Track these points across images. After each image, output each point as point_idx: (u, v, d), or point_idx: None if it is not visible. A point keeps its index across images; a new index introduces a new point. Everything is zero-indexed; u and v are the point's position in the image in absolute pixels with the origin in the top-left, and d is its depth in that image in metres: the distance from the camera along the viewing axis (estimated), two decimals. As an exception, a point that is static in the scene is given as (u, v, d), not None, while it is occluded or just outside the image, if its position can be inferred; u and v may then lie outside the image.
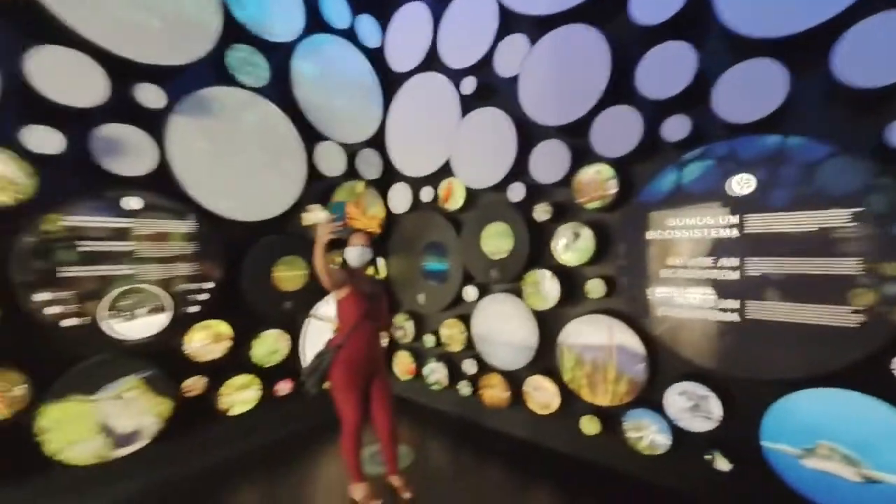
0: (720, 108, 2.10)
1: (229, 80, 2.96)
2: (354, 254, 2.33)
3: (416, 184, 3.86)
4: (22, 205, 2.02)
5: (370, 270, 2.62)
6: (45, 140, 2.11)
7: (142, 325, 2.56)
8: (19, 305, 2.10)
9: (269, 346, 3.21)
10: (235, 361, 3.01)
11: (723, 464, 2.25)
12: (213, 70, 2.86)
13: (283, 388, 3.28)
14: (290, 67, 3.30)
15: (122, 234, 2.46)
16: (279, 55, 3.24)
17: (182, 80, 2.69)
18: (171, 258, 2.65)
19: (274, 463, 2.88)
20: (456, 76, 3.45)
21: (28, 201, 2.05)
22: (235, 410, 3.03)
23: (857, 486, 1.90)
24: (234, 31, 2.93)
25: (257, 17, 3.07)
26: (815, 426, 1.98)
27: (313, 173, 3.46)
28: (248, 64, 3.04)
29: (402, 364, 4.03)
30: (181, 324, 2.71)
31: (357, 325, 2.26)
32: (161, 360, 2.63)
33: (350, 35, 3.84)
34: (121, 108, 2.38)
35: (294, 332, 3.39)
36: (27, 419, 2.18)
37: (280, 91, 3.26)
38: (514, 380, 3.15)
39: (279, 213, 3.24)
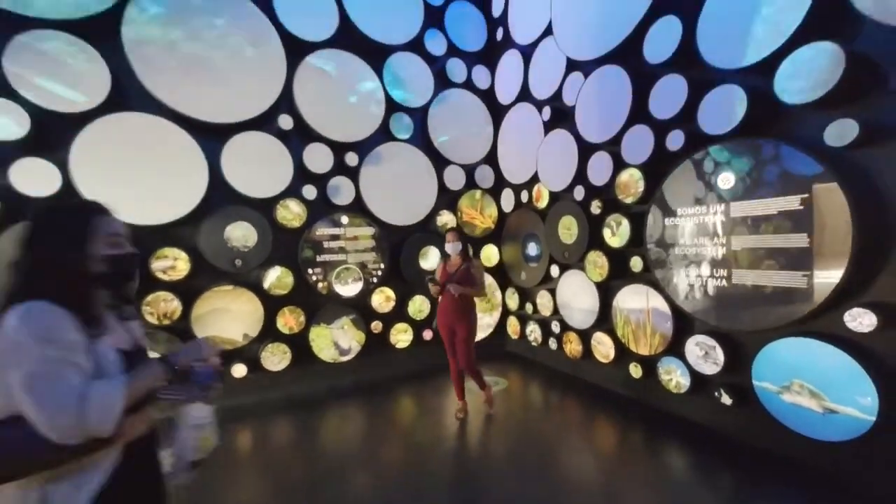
0: (704, 123, 2.76)
1: (392, 137, 4.76)
2: (448, 247, 3.59)
3: (517, 189, 5.08)
4: (302, 225, 4.17)
5: (457, 257, 3.51)
6: (309, 191, 4.22)
7: (350, 289, 4.57)
8: (303, 276, 4.27)
9: (417, 306, 4.95)
10: (399, 314, 4.84)
11: (726, 399, 2.88)
12: (382, 134, 4.69)
13: (427, 334, 4.98)
14: (427, 119, 4.94)
15: (338, 237, 4.49)
16: (419, 113, 4.92)
17: (366, 145, 4.59)
18: (362, 250, 4.60)
19: (422, 380, 4.57)
20: (539, 105, 4.54)
21: (304, 223, 4.19)
22: (399, 345, 4.86)
23: (821, 416, 2.39)
24: (392, 106, 4.70)
25: (405, 95, 4.80)
26: (790, 367, 2.52)
27: (443, 187, 5.06)
28: (407, 126, 4.79)
29: (512, 326, 5.33)
30: (368, 289, 4.64)
31: (443, 290, 3.49)
32: (360, 309, 4.60)
33: (468, 84, 5.28)
34: (338, 167, 4.39)
35: (432, 298, 5.06)
36: (306, 333, 4.35)
37: (421, 136, 4.94)
38: (585, 336, 4.12)
39: (422, 218, 4.94)
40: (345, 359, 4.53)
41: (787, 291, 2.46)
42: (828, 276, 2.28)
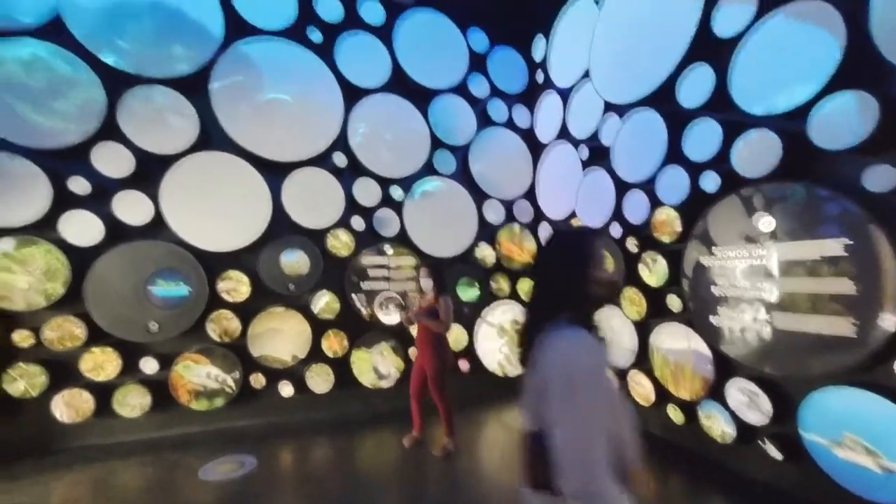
0: (740, 166, 2.79)
1: (435, 172, 5.07)
2: (422, 283, 3.59)
3: (555, 224, 5.18)
4: (350, 254, 4.51)
5: (431, 293, 3.51)
6: (357, 223, 4.57)
7: (392, 317, 4.79)
8: (348, 301, 4.56)
9: (455, 336, 5.07)
10: (436, 342, 4.98)
11: (773, 451, 2.73)
12: (425, 170, 5.01)
13: (464, 365, 5.06)
14: (468, 156, 5.23)
15: (382, 266, 4.76)
16: (461, 151, 5.21)
17: (410, 179, 4.91)
18: (404, 279, 4.84)
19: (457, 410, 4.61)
20: (577, 144, 4.68)
21: (352, 252, 4.53)
22: (436, 372, 4.96)
23: (881, 477, 2.23)
24: (436, 142, 5.03)
25: (448, 134, 5.12)
26: (841, 419, 2.38)
27: (483, 221, 5.26)
28: (450, 162, 5.10)
29: (549, 361, 5.28)
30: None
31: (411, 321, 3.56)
32: (399, 336, 4.79)
33: (509, 123, 5.54)
34: (385, 202, 4.73)
35: (469, 329, 5.16)
36: (347, 356, 4.59)
37: (461, 172, 5.21)
38: (623, 376, 4.04)
39: (462, 250, 5.14)
40: (384, 384, 4.70)
41: (835, 338, 2.37)
42: (881, 324, 2.19)
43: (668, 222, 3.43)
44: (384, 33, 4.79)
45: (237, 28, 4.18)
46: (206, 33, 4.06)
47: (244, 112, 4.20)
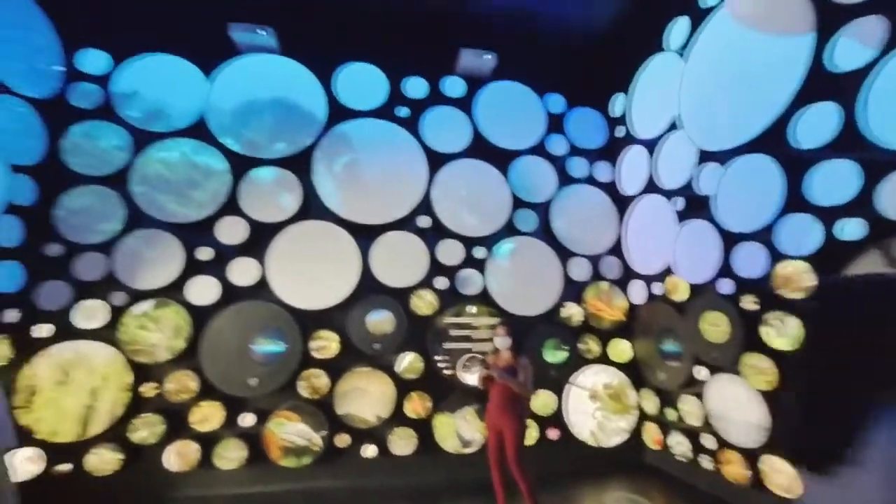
0: (887, 209, 2.39)
1: (516, 232, 5.05)
2: (497, 341, 3.39)
3: (647, 280, 4.79)
4: (434, 313, 4.53)
5: (507, 352, 3.35)
6: (441, 282, 4.62)
7: (473, 378, 4.61)
8: (431, 361, 4.50)
9: (542, 401, 4.71)
10: (522, 408, 4.65)
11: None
12: (506, 231, 5.01)
13: (553, 433, 4.63)
14: (549, 213, 5.17)
15: (465, 326, 4.69)
16: (542, 208, 5.17)
17: (492, 239, 4.93)
18: (487, 339, 4.70)
19: (547, 483, 4.13)
20: (670, 195, 4.42)
21: (435, 311, 4.55)
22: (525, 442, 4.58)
23: None
24: (517, 202, 5.06)
25: (529, 192, 5.15)
26: None
27: (568, 279, 5.04)
28: (531, 220, 5.08)
29: (651, 434, 4.65)
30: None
31: (494, 385, 3.30)
32: (483, 399, 4.56)
33: (590, 179, 5.45)
34: (468, 262, 4.76)
35: (558, 393, 4.77)
36: (430, 420, 4.44)
37: (543, 230, 5.13)
38: (752, 457, 3.38)
39: (547, 309, 4.92)
40: (467, 451, 4.43)
41: None
42: None
43: (794, 276, 2.99)
44: (465, 103, 5.12)
45: (337, 112, 4.75)
46: (313, 119, 4.66)
47: (339, 182, 4.63)
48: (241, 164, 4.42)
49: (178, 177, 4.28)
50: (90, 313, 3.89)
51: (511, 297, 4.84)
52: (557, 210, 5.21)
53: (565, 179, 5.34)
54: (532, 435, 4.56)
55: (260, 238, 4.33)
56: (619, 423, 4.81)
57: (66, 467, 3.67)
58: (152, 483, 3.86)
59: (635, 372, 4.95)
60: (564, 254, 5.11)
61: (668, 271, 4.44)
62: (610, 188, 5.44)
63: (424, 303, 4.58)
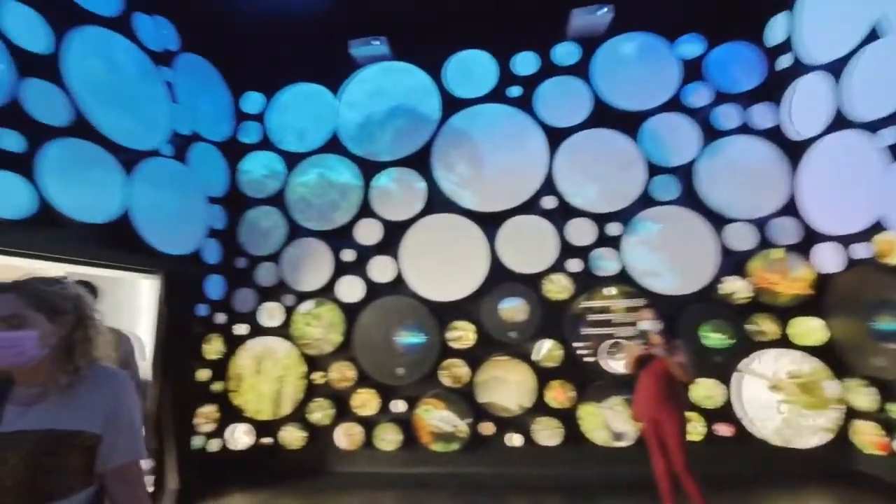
0: None
1: (654, 202, 4.48)
2: (646, 324, 2.99)
3: (844, 242, 3.79)
4: (569, 297, 4.30)
5: (657, 337, 2.97)
6: (574, 265, 4.35)
7: (620, 365, 4.24)
8: (570, 348, 4.28)
9: (705, 391, 4.10)
10: (681, 398, 4.13)
11: None
12: (642, 203, 4.47)
13: (725, 429, 4.01)
14: (695, 176, 4.45)
15: (605, 309, 4.34)
16: (684, 172, 4.49)
17: (627, 213, 4.46)
18: (632, 322, 4.26)
19: (714, 483, 3.58)
20: (874, 128, 3.41)
21: (571, 296, 4.32)
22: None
23: None
24: (653, 170, 4.48)
25: (666, 155, 4.51)
26: None
27: (725, 251, 4.29)
28: (672, 187, 4.47)
29: (863, 434, 3.68)
30: (641, 365, 4.20)
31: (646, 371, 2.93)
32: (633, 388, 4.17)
33: (744, 128, 4.53)
34: (601, 240, 4.39)
35: (726, 382, 4.10)
36: (574, 410, 4.22)
37: (688, 196, 4.44)
38: None
39: (701, 286, 4.26)
40: (620, 444, 4.11)
41: None
42: None
43: None
44: (580, 69, 4.71)
45: (450, 104, 4.81)
46: (429, 115, 4.82)
47: (460, 174, 4.69)
48: (370, 169, 4.78)
49: (319, 199, 4.82)
50: (271, 314, 4.65)
51: (655, 276, 4.32)
52: (705, 171, 4.46)
53: (711, 134, 4.54)
54: (697, 430, 4.02)
55: (393, 237, 4.63)
56: (815, 421, 3.93)
57: (268, 440, 4.46)
58: (329, 458, 4.45)
59: (833, 357, 3.98)
60: (718, 221, 4.36)
61: (876, 227, 3.45)
62: (774, 134, 4.46)
63: (558, 287, 4.37)
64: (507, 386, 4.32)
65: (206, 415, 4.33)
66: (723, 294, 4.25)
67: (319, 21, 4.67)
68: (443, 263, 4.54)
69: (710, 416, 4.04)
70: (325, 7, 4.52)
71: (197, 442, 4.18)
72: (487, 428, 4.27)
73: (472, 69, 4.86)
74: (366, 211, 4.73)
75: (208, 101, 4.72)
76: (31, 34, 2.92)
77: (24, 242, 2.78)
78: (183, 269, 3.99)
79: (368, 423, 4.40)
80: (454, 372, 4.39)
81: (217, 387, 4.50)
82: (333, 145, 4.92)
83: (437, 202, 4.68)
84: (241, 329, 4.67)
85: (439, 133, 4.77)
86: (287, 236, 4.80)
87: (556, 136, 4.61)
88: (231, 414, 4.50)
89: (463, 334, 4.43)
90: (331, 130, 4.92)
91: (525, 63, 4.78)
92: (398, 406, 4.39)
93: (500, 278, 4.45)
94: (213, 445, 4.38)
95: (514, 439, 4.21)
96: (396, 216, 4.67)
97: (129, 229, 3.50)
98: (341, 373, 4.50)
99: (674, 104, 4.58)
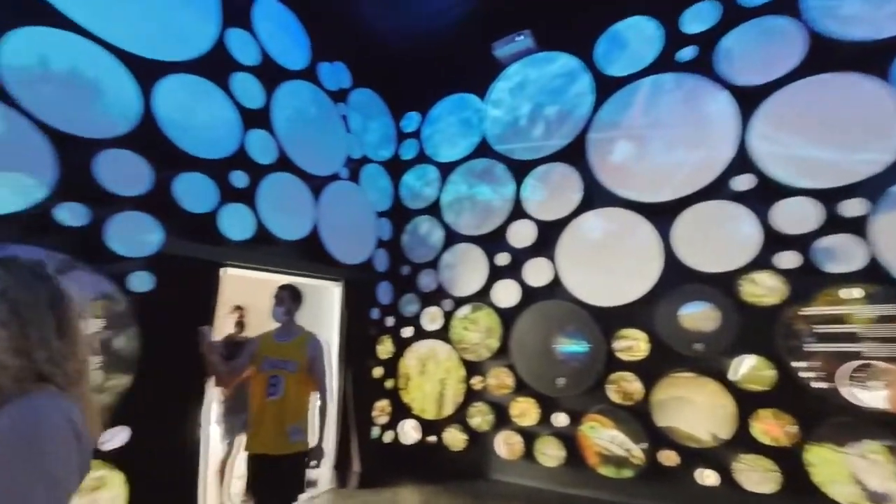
0: None
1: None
2: None
3: None
4: (782, 302, 3.30)
5: None
6: (787, 260, 3.32)
7: (875, 396, 3.02)
8: (785, 366, 3.27)
9: None
10: None
11: None
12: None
13: None
14: None
15: (843, 318, 3.16)
16: None
17: (871, 184, 3.19)
18: (890, 338, 3.00)
19: None
20: None
21: (784, 300, 3.30)
22: None
23: None
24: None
25: None
26: None
27: None
28: None
29: None
30: (920, 401, 2.89)
31: None
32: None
33: None
34: (830, 224, 3.25)
35: None
36: (798, 451, 3.18)
37: None
38: None
39: None
40: (883, 509, 2.91)
41: None
42: None
43: None
44: (780, 3, 3.63)
45: (602, 85, 4.31)
46: (579, 108, 4.42)
47: (621, 160, 4.13)
48: (521, 168, 4.63)
49: (472, 205, 4.90)
50: (432, 318, 4.91)
51: (939, 271, 2.95)
52: None
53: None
54: None
55: (548, 237, 4.36)
56: None
57: (433, 438, 4.69)
58: (489, 465, 4.40)
59: None
60: None
61: None
62: None
63: (763, 289, 3.39)
64: (694, 409, 3.55)
65: (381, 408, 4.81)
66: None
67: (461, 29, 4.75)
68: (606, 263, 4.05)
69: None
70: (466, 11, 4.56)
71: (374, 432, 4.67)
72: (669, 458, 3.57)
73: (628, 42, 4.26)
74: (518, 212, 4.58)
75: (374, 126, 5.32)
76: (250, 94, 3.73)
77: (249, 258, 3.55)
78: (359, 276, 4.54)
79: (528, 434, 4.20)
80: (624, 387, 3.84)
81: (389, 384, 4.96)
82: (483, 149, 4.95)
83: (596, 196, 4.22)
84: (407, 332, 5.06)
85: (594, 118, 4.31)
86: (444, 243, 5.01)
87: (750, 98, 3.62)
88: (401, 410, 4.90)
89: (633, 344, 3.84)
90: (480, 134, 4.97)
91: (698, 16, 3.94)
92: (559, 419, 4.06)
93: (678, 279, 3.72)
94: (387, 437, 4.83)
95: (707, 476, 3.42)
96: (550, 215, 4.38)
97: (317, 243, 4.16)
98: (499, 379, 4.43)
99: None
